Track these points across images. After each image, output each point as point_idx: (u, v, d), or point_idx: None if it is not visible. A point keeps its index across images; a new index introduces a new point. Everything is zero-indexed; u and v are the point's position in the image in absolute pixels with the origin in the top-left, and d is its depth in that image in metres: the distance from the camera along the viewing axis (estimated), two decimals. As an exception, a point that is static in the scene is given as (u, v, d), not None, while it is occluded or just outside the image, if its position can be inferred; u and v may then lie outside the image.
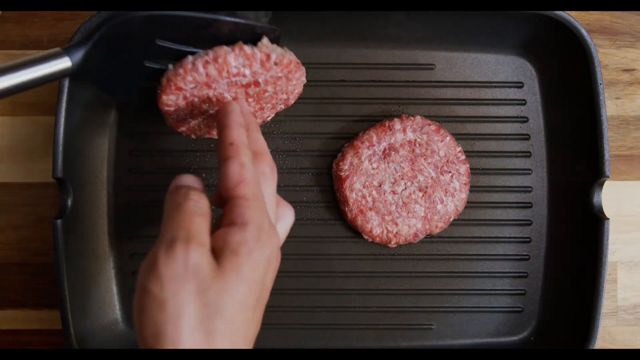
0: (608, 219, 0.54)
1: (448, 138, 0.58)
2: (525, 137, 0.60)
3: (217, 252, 0.37)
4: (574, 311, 0.56)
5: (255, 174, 0.40)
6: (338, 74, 0.60)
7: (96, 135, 0.59)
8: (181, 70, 0.44)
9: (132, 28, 0.43)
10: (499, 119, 0.60)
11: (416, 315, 0.59)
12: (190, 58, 0.44)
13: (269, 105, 0.51)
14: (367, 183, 0.57)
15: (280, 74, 0.46)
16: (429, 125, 0.57)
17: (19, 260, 0.60)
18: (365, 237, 0.58)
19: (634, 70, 0.62)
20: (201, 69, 0.43)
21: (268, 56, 0.44)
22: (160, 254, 0.36)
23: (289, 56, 0.46)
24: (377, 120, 0.59)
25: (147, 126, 0.60)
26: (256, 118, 0.52)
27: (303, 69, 0.49)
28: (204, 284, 0.35)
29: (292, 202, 0.59)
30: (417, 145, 0.57)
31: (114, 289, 0.59)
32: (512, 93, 0.61)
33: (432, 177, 0.57)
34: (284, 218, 0.44)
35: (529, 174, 0.60)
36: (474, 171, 0.59)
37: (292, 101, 0.53)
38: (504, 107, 0.61)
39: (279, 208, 0.43)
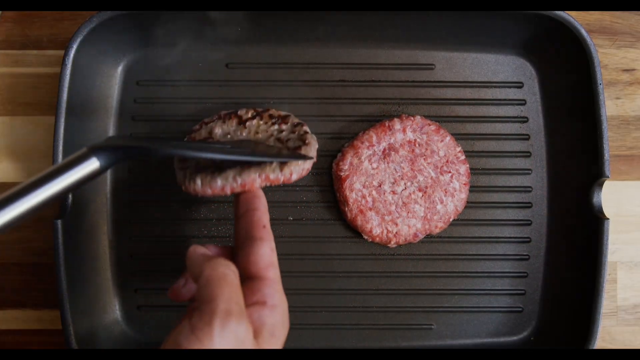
0: (608, 219, 0.54)
1: (448, 138, 0.58)
2: (525, 137, 0.60)
3: (254, 330, 0.39)
4: (574, 311, 0.56)
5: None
6: (338, 74, 0.60)
7: (96, 135, 0.59)
8: (209, 190, 0.47)
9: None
10: (499, 119, 0.60)
11: (416, 315, 0.59)
12: (219, 183, 0.46)
13: None
14: (367, 183, 0.57)
15: None
16: (429, 125, 0.57)
17: (19, 260, 0.60)
18: (365, 237, 0.58)
19: (634, 70, 0.62)
20: (228, 191, 0.46)
21: (291, 174, 0.48)
22: (215, 324, 0.36)
23: (307, 166, 0.49)
24: (377, 120, 0.59)
25: (146, 127, 0.60)
26: None
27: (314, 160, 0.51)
28: None
29: (292, 202, 0.59)
30: (417, 145, 0.57)
31: (114, 289, 0.59)
32: (512, 93, 0.61)
33: (431, 177, 0.57)
34: None
35: (529, 174, 0.60)
36: (474, 171, 0.59)
37: None
38: (504, 107, 0.61)
39: None
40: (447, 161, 0.57)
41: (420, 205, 0.57)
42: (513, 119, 0.60)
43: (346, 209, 0.57)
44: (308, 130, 0.54)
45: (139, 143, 0.45)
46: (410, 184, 0.57)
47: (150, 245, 0.59)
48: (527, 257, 0.60)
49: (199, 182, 0.47)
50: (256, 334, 0.39)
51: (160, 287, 0.59)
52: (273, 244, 0.43)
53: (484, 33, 0.58)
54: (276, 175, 0.47)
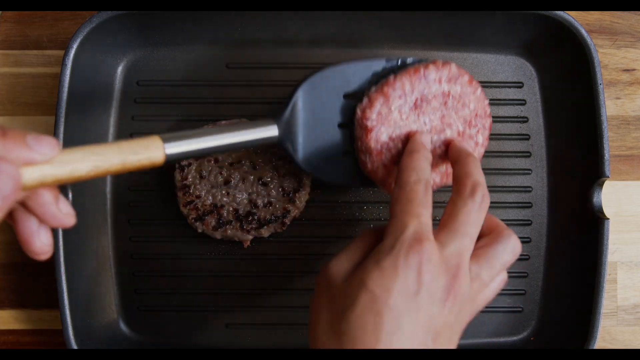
0: (608, 219, 0.54)
1: (479, 90, 0.52)
2: (525, 137, 0.60)
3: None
4: (574, 311, 0.56)
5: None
6: (338, 74, 0.60)
7: (96, 135, 0.59)
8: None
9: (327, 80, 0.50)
10: (499, 119, 0.60)
11: (416, 315, 0.59)
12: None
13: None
14: (393, 135, 0.50)
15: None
16: (463, 76, 0.52)
17: (19, 260, 0.60)
18: (384, 190, 0.53)
19: (634, 70, 0.62)
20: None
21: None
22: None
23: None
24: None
25: (147, 126, 0.60)
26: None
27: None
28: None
29: (292, 202, 0.59)
30: (450, 97, 0.51)
31: (114, 289, 0.59)
32: (512, 93, 0.61)
33: (459, 132, 0.52)
34: None
35: (529, 174, 0.60)
36: (474, 171, 0.59)
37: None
38: (504, 107, 0.61)
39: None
40: (476, 115, 0.52)
41: (443, 160, 0.52)
42: (513, 119, 0.60)
43: (367, 159, 0.51)
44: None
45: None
46: (437, 138, 0.52)
47: (151, 245, 0.59)
48: (527, 257, 0.60)
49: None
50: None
51: (161, 288, 0.59)
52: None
53: (484, 33, 0.58)
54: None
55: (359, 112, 0.51)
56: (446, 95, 0.51)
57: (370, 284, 0.37)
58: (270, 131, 0.47)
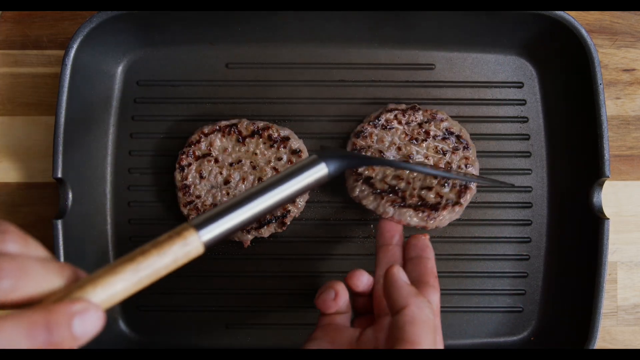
0: (608, 219, 0.54)
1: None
2: (525, 137, 0.60)
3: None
4: (574, 311, 0.56)
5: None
6: (338, 74, 0.60)
7: (96, 135, 0.59)
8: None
9: None
10: (499, 119, 0.60)
11: (416, 315, 0.59)
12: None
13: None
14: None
15: None
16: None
17: (19, 260, 0.60)
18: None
19: (634, 70, 0.62)
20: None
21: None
22: None
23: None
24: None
25: (147, 126, 0.60)
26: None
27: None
28: None
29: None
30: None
31: (114, 289, 0.59)
32: (512, 93, 0.61)
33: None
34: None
35: (529, 174, 0.60)
36: (474, 171, 0.59)
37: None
38: (504, 107, 0.61)
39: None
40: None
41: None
42: (513, 119, 0.60)
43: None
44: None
45: (360, 155, 0.54)
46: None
47: (150, 245, 0.59)
48: (527, 257, 0.60)
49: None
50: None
51: (161, 288, 0.59)
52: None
53: (484, 33, 0.58)
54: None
55: (358, 193, 0.56)
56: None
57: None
58: (321, 171, 0.42)
